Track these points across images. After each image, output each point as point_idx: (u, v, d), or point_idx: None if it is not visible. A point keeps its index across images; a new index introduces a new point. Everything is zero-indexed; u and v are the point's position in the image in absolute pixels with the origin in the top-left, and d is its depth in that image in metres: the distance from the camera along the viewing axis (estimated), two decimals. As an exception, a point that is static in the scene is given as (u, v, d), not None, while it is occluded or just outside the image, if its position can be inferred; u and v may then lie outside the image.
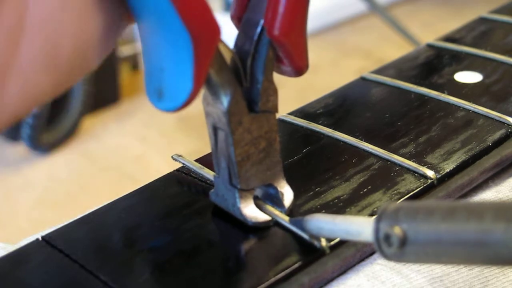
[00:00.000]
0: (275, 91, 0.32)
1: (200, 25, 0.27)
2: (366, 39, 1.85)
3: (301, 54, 0.32)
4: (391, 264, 0.33)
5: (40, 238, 0.34)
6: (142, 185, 0.37)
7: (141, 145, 1.46)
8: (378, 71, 0.47)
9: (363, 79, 0.47)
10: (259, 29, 0.31)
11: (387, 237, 0.26)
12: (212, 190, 0.34)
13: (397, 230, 0.25)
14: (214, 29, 0.28)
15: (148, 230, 0.34)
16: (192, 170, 0.37)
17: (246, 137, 0.32)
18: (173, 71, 0.28)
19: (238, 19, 0.32)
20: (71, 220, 0.35)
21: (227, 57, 0.31)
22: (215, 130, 0.32)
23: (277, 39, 0.31)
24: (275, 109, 0.32)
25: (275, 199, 0.33)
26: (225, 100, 0.31)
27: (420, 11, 2.00)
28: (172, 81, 0.28)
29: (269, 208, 0.33)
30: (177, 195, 0.36)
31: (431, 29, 1.81)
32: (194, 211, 0.35)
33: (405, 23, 1.62)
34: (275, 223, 0.33)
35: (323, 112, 0.43)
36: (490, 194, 0.38)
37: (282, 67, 0.32)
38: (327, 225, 0.30)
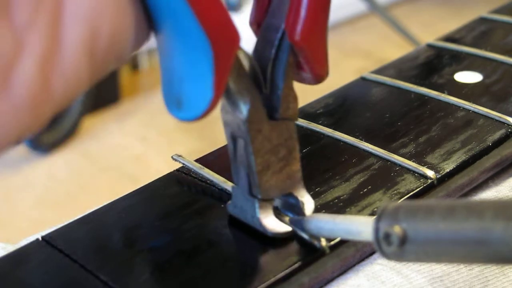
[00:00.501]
0: (295, 98, 0.32)
1: (220, 31, 0.27)
2: (366, 39, 1.85)
3: (321, 60, 0.31)
4: (391, 264, 0.33)
5: (40, 238, 0.34)
6: (142, 185, 0.37)
7: (141, 145, 1.46)
8: (378, 71, 0.47)
9: (363, 79, 0.47)
10: (280, 34, 0.31)
11: (387, 236, 0.26)
12: (229, 202, 0.34)
13: (396, 229, 0.25)
14: (234, 36, 0.27)
15: (148, 230, 0.34)
16: (192, 170, 0.37)
17: (266, 146, 0.31)
18: (192, 79, 0.27)
19: (257, 25, 0.32)
20: (71, 220, 0.35)
21: (246, 63, 0.30)
22: (233, 139, 0.32)
23: (298, 44, 0.30)
24: (295, 117, 0.32)
25: (296, 209, 0.33)
26: (244, 108, 0.30)
27: (420, 11, 2.00)
28: (191, 90, 0.28)
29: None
30: (177, 195, 0.36)
31: (431, 29, 1.81)
32: (194, 211, 0.35)
33: (405, 23, 1.62)
34: None
35: (323, 112, 0.43)
36: (490, 194, 0.38)
37: (302, 74, 0.32)
38: (327, 225, 0.30)
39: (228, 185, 0.36)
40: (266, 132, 0.31)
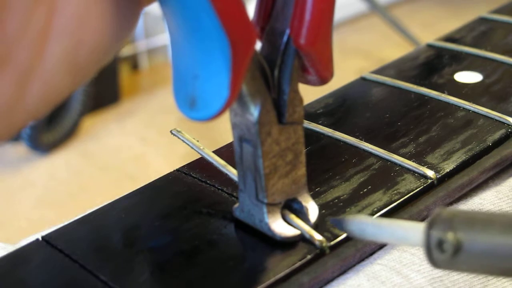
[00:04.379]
0: (301, 102, 0.31)
1: (239, 30, 0.26)
2: (366, 39, 1.85)
3: (326, 63, 0.31)
4: (391, 264, 0.33)
5: (40, 238, 0.34)
6: (142, 185, 0.37)
7: (141, 145, 1.46)
8: (378, 71, 0.47)
9: (363, 79, 0.47)
10: (285, 39, 0.30)
11: (440, 243, 0.25)
12: (235, 206, 0.34)
13: (452, 237, 0.24)
14: (252, 35, 0.27)
15: (148, 230, 0.34)
16: (190, 146, 0.37)
17: (274, 149, 0.31)
18: (208, 78, 0.27)
19: (261, 29, 0.31)
20: (71, 220, 0.35)
21: (258, 65, 0.30)
22: (241, 141, 0.32)
23: (303, 48, 0.30)
24: (301, 120, 0.32)
25: (300, 214, 0.33)
26: (255, 110, 0.30)
27: (420, 11, 2.00)
28: (206, 88, 0.27)
29: (293, 217, 0.33)
30: (177, 195, 0.36)
31: (431, 29, 1.81)
32: (194, 211, 0.35)
33: (405, 23, 1.62)
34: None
35: (323, 112, 0.43)
36: (490, 194, 0.38)
37: (307, 76, 0.31)
38: (371, 228, 0.29)
39: (227, 169, 0.36)
40: (275, 135, 0.31)
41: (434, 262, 0.25)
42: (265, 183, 0.31)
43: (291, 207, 0.33)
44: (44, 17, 0.24)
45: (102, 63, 0.27)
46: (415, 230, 0.27)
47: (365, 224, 0.30)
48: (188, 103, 0.28)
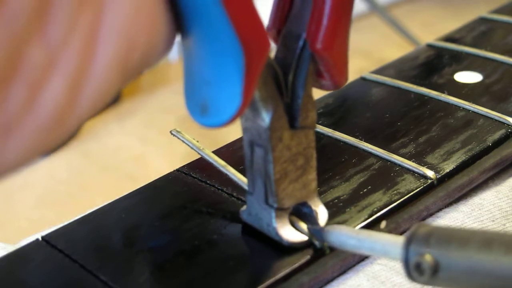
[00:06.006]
0: (314, 106, 0.31)
1: (253, 36, 0.26)
2: (366, 39, 1.85)
3: (342, 68, 0.30)
4: (391, 264, 0.33)
5: (40, 238, 0.34)
6: (142, 185, 0.37)
7: (141, 145, 1.46)
8: (378, 71, 0.47)
9: (363, 79, 0.47)
10: (301, 42, 0.30)
11: (418, 265, 0.25)
12: (243, 209, 0.33)
13: (428, 258, 0.25)
14: (265, 41, 0.26)
15: (148, 230, 0.34)
16: (190, 146, 0.37)
17: (285, 154, 0.31)
18: (220, 84, 0.27)
19: (277, 31, 0.31)
20: (71, 220, 0.35)
21: (271, 70, 0.30)
22: (252, 146, 0.31)
23: (319, 53, 0.30)
24: (313, 125, 0.31)
25: (310, 218, 0.32)
26: (266, 116, 0.30)
27: (420, 11, 2.00)
28: (218, 95, 0.27)
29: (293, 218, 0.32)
30: (177, 195, 0.36)
31: (431, 29, 1.81)
32: (194, 211, 0.35)
33: (405, 23, 1.62)
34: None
35: (323, 112, 0.43)
36: (490, 194, 0.38)
37: (321, 81, 0.31)
38: (351, 240, 0.29)
39: (227, 169, 0.35)
40: (287, 140, 0.31)
41: (413, 279, 0.26)
42: (276, 188, 0.31)
43: (301, 211, 0.33)
44: (91, 20, 0.24)
45: (152, 64, 0.26)
46: (394, 245, 0.27)
47: (345, 236, 0.30)
48: (200, 109, 0.27)
